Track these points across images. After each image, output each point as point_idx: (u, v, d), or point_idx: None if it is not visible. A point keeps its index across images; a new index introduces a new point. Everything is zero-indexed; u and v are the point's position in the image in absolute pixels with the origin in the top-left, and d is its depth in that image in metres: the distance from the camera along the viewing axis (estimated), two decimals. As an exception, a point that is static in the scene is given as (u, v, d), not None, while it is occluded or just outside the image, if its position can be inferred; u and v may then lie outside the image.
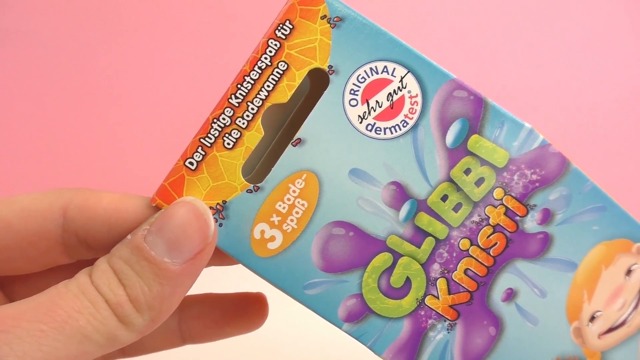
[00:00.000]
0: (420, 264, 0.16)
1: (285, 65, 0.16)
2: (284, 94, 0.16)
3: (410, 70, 0.16)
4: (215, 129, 0.15)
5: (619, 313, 0.18)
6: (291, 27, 0.16)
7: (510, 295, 0.16)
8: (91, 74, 0.44)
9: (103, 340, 0.13)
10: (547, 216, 0.16)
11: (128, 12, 0.45)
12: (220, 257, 0.16)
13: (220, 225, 0.15)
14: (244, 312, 0.18)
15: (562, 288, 0.17)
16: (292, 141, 0.16)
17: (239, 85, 0.16)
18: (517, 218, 0.16)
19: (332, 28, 0.16)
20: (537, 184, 0.16)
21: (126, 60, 0.45)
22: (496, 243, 0.16)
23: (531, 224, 0.16)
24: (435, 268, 0.16)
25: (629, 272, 0.18)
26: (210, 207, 0.15)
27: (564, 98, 0.50)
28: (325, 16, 0.16)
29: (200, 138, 0.15)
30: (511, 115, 0.16)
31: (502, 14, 0.50)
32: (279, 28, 0.16)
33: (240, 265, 0.16)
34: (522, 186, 0.16)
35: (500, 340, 0.17)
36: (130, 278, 0.14)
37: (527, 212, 0.16)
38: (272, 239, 0.15)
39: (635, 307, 0.18)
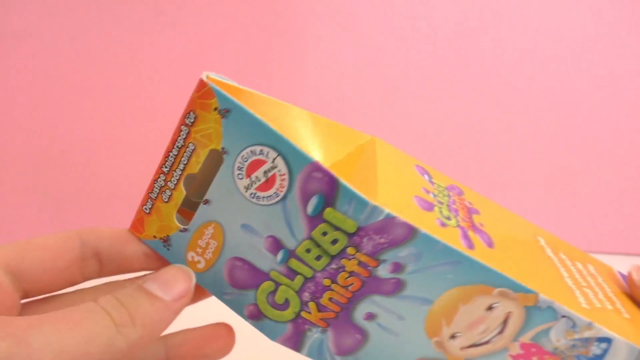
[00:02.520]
0: (295, 291, 0.22)
1: (193, 146, 0.21)
2: (195, 167, 0.21)
3: (280, 153, 0.20)
4: (156, 188, 0.22)
5: (482, 335, 0.22)
6: (195, 116, 0.21)
7: (371, 316, 0.21)
8: (92, 75, 0.46)
9: (103, 345, 0.18)
10: (397, 267, 0.20)
11: (129, 13, 0.46)
12: None
13: (168, 249, 0.23)
14: (219, 336, 0.24)
15: (419, 316, 0.21)
16: (202, 201, 0.22)
17: (166, 159, 0.22)
18: (370, 268, 0.20)
19: (222, 118, 0.20)
20: (385, 245, 0.20)
21: (127, 60, 0.46)
22: (353, 283, 0.21)
23: (383, 272, 0.20)
24: (306, 295, 0.21)
25: (490, 308, 0.21)
26: (160, 238, 0.23)
27: (562, 97, 0.48)
28: (216, 108, 0.20)
29: (148, 193, 0.22)
30: (358, 194, 0.19)
31: (500, 14, 0.48)
32: (187, 117, 0.21)
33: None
34: (372, 246, 0.20)
35: (366, 343, 0.22)
36: (130, 303, 0.19)
37: (379, 264, 0.20)
38: (199, 262, 0.23)
39: (500, 332, 0.21)
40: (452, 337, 0.22)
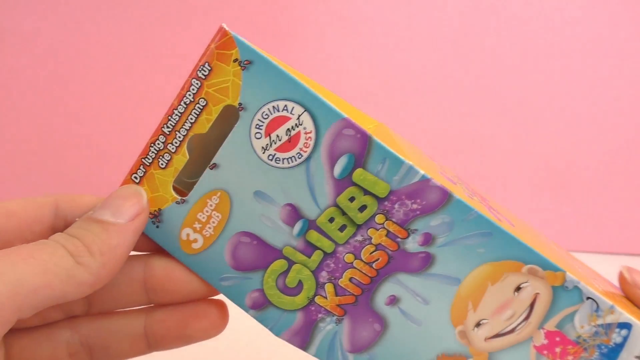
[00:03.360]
0: (311, 271, 0.19)
1: (205, 102, 0.19)
2: (204, 125, 0.19)
3: (306, 109, 0.18)
4: (152, 152, 0.19)
5: (507, 322, 0.20)
6: (210, 68, 0.19)
7: (393, 300, 0.19)
8: (92, 75, 0.46)
9: (64, 276, 0.17)
10: (428, 239, 0.19)
11: (130, 12, 0.46)
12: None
13: (157, 227, 0.20)
14: (205, 315, 0.20)
15: (445, 298, 0.19)
16: (209, 165, 0.19)
17: (169, 117, 0.19)
18: (399, 240, 0.19)
19: (242, 70, 0.18)
20: (417, 212, 0.18)
21: (127, 59, 0.46)
22: (378, 259, 0.19)
23: (412, 245, 0.19)
24: (324, 275, 0.19)
25: (518, 288, 0.20)
26: (150, 213, 0.20)
27: (560, 97, 0.49)
28: (237, 59, 0.18)
29: (142, 158, 0.20)
30: (393, 152, 0.18)
31: (499, 14, 0.50)
32: (200, 69, 0.19)
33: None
34: (403, 213, 0.18)
35: (385, 335, 0.20)
36: (83, 233, 0.18)
37: (408, 235, 0.19)
38: (195, 240, 0.20)
39: (526, 318, 0.20)
40: (478, 325, 0.20)
